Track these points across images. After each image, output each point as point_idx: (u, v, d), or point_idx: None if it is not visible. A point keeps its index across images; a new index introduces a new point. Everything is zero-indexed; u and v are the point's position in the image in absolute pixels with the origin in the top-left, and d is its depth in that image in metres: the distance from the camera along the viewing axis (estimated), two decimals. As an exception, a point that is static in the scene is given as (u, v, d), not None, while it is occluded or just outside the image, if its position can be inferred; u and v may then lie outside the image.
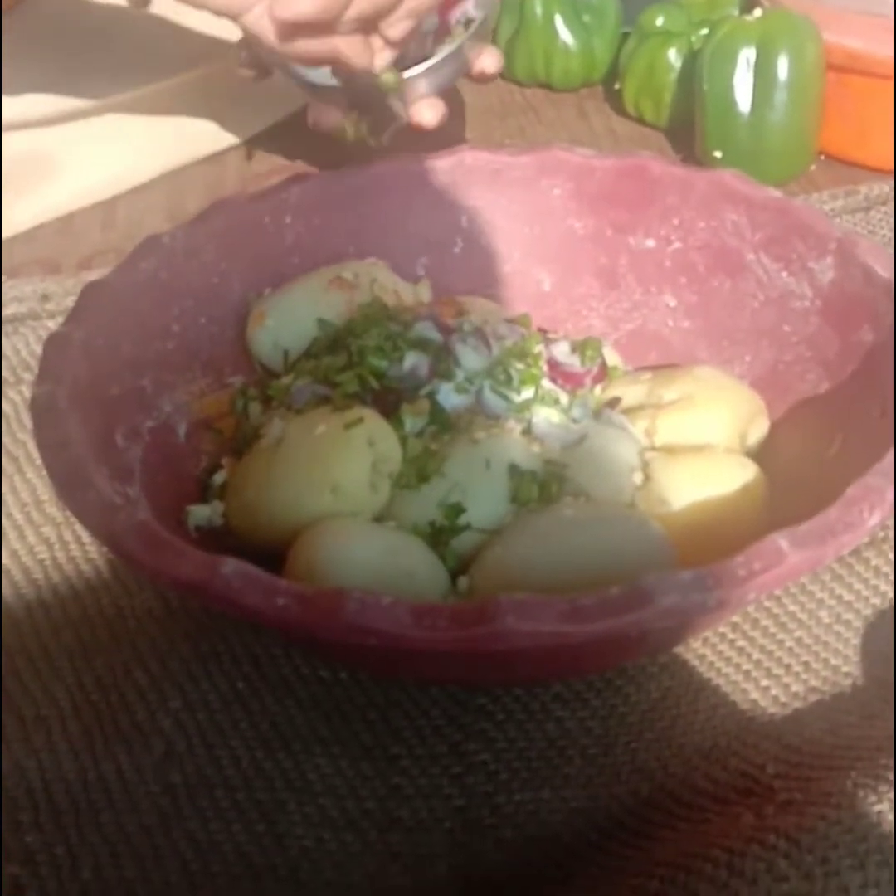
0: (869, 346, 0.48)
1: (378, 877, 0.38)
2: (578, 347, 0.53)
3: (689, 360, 0.56)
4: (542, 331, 0.56)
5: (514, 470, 0.45)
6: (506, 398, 0.49)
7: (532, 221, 0.60)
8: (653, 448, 0.49)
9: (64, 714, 0.43)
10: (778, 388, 0.52)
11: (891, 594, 0.46)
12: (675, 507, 0.45)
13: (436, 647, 0.33)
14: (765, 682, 0.43)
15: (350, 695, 0.44)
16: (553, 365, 0.52)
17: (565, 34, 0.88)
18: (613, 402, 0.51)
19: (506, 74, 0.92)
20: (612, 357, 0.55)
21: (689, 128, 0.78)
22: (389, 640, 0.34)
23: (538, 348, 0.52)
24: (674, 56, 0.81)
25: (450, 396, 0.48)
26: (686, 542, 0.43)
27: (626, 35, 0.87)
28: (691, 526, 0.44)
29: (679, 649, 0.45)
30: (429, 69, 0.60)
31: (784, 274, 0.53)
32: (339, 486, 0.44)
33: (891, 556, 0.48)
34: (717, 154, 0.74)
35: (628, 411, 0.50)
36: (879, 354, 0.47)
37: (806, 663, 0.44)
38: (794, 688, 0.43)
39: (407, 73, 0.59)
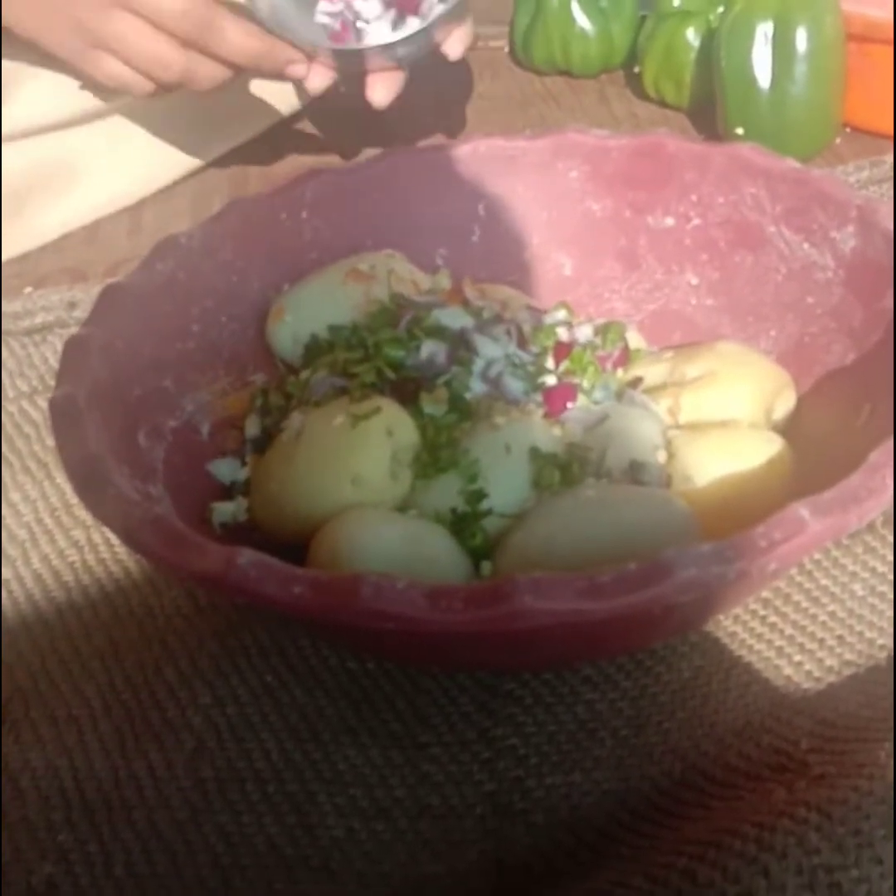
0: (893, 313, 0.47)
1: (409, 865, 0.38)
2: (601, 330, 0.52)
3: (713, 337, 0.55)
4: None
5: (535, 453, 0.45)
6: (525, 383, 0.48)
7: (550, 206, 0.60)
8: (677, 426, 0.48)
9: (95, 713, 0.43)
10: (804, 362, 0.51)
11: None
12: (700, 483, 0.44)
13: (452, 629, 0.33)
14: (798, 658, 0.43)
15: (378, 684, 0.44)
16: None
17: (583, 20, 0.88)
18: (635, 382, 0.50)
19: (525, 63, 0.93)
20: (635, 339, 0.55)
21: (710, 107, 0.77)
22: (406, 623, 0.33)
23: (561, 332, 0.52)
24: (692, 35, 0.81)
25: (469, 383, 0.48)
26: (712, 519, 0.43)
27: (643, 18, 0.87)
28: (717, 502, 0.44)
29: (709, 628, 0.44)
30: (387, 45, 0.61)
31: (806, 245, 0.52)
32: (360, 476, 0.44)
33: None
34: (740, 131, 0.73)
35: (651, 390, 0.50)
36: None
37: (840, 637, 0.43)
38: (829, 662, 0.42)
39: (367, 45, 0.60)
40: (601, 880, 0.33)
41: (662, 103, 0.85)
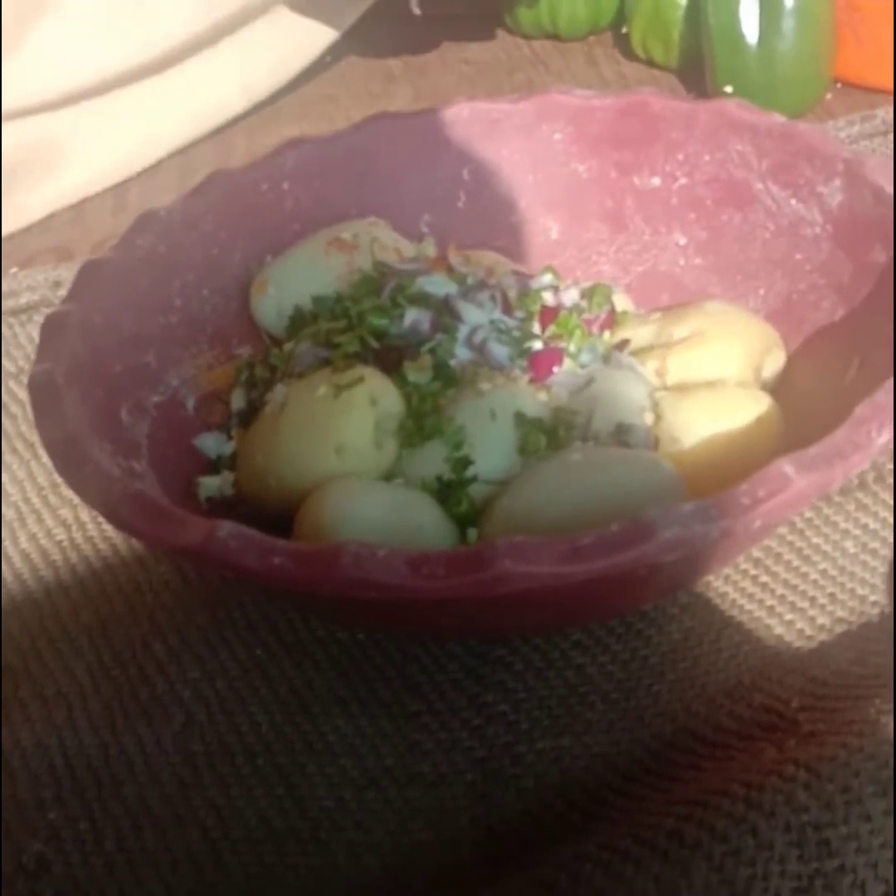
0: (882, 267, 0.46)
1: (399, 833, 0.37)
2: (587, 293, 0.52)
3: (702, 298, 0.54)
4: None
5: (520, 419, 0.44)
6: (511, 348, 0.48)
7: (535, 169, 0.59)
8: (664, 387, 0.47)
9: (84, 691, 0.43)
10: (793, 319, 0.51)
11: None
12: (688, 444, 0.44)
13: (434, 596, 0.33)
14: (789, 616, 0.42)
15: (368, 654, 0.43)
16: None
17: None
18: (622, 345, 0.49)
19: (512, 27, 0.91)
20: (621, 302, 0.54)
21: (699, 66, 0.76)
22: (387, 591, 0.33)
23: (547, 296, 0.51)
24: None
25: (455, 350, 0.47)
26: (700, 479, 0.42)
27: None
28: (705, 463, 0.43)
29: (699, 589, 0.44)
30: None
31: (793, 201, 0.51)
32: (344, 446, 0.43)
33: None
34: (729, 89, 0.72)
35: (639, 352, 0.49)
36: (892, 273, 0.45)
37: (832, 595, 0.43)
38: (820, 620, 0.42)
39: None
40: (589, 844, 0.32)
41: (651, 63, 0.84)
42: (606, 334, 0.51)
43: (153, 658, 0.44)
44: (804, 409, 0.46)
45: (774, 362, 0.49)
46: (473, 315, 0.49)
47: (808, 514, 0.46)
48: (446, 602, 0.34)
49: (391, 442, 0.44)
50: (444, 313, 0.49)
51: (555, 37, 0.90)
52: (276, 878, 0.37)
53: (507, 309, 0.50)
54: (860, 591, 0.43)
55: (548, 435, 0.44)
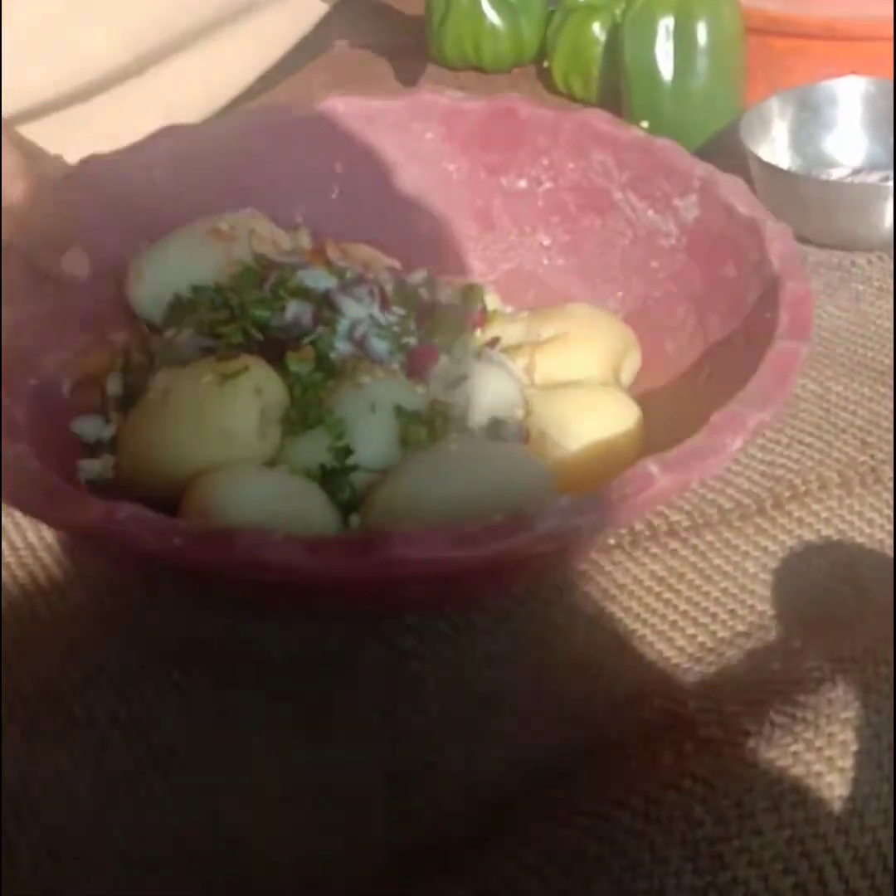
0: (732, 281, 0.50)
1: (313, 846, 0.38)
2: (461, 292, 0.54)
3: (564, 297, 0.57)
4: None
5: (399, 411, 0.46)
6: (389, 343, 0.50)
7: (408, 166, 0.61)
8: (532, 385, 0.50)
9: (0, 719, 0.42)
10: (649, 323, 0.54)
11: (810, 538, 0.48)
12: (556, 440, 0.47)
13: (332, 578, 0.35)
14: (691, 631, 0.44)
15: (286, 675, 0.44)
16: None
17: (492, 16, 0.87)
18: (493, 342, 0.52)
19: (438, 59, 0.91)
20: (491, 300, 0.57)
21: (618, 101, 0.77)
22: (285, 573, 0.35)
23: (423, 293, 0.54)
24: (598, 30, 0.81)
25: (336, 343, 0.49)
26: (566, 473, 0.46)
27: (552, 13, 0.87)
28: (571, 457, 0.47)
29: (605, 603, 0.46)
30: None
31: (650, 212, 0.55)
32: (228, 433, 0.45)
33: (813, 506, 0.49)
34: (644, 124, 0.73)
35: (508, 350, 0.52)
36: (742, 289, 0.49)
37: (732, 611, 0.45)
38: (721, 634, 0.44)
39: None
40: (496, 855, 0.34)
41: (572, 97, 0.85)
42: (479, 331, 0.53)
43: (70, 683, 0.43)
44: (660, 409, 0.50)
45: (632, 363, 0.52)
46: (353, 309, 0.51)
47: (709, 537, 0.48)
48: (340, 583, 0.36)
49: (275, 430, 0.46)
50: (325, 307, 0.50)
51: (480, 69, 0.90)
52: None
53: (385, 304, 0.52)
54: (760, 607, 0.45)
55: (426, 426, 0.46)
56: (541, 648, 0.44)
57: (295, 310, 0.49)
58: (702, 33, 0.71)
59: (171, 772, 0.40)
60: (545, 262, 0.60)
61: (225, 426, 0.45)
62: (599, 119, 0.57)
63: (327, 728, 0.42)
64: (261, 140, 0.60)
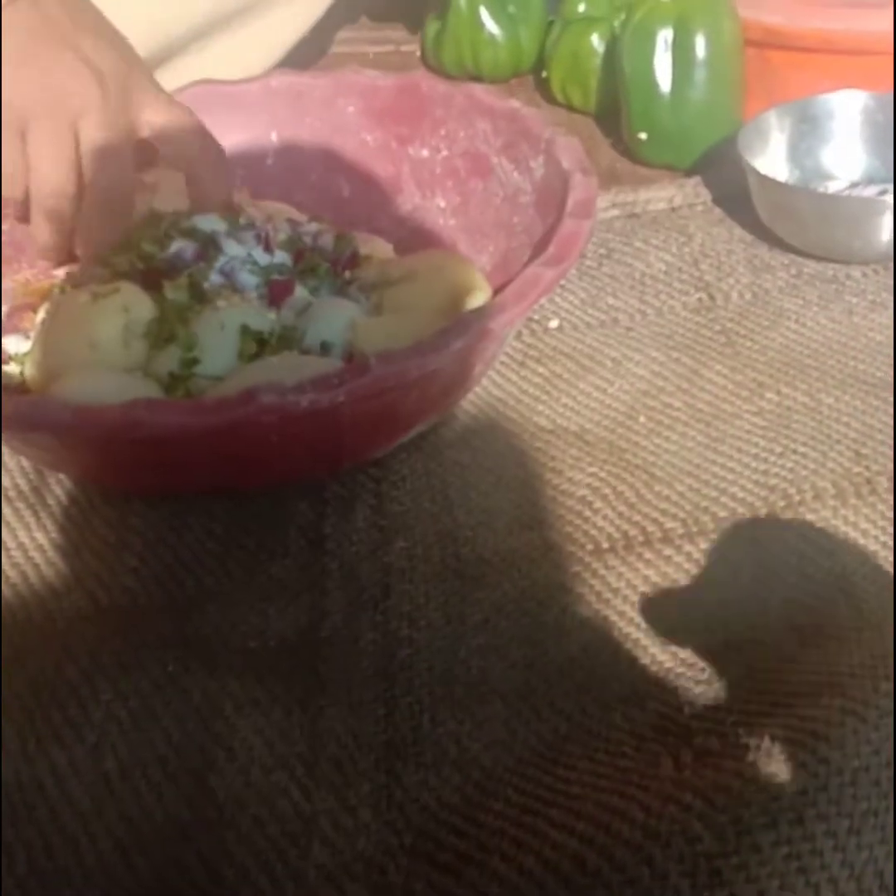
0: (558, 230, 0.56)
1: (302, 803, 0.40)
2: (335, 240, 0.62)
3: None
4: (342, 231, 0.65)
5: (244, 330, 0.54)
6: (259, 278, 0.58)
7: (332, 136, 0.69)
8: (379, 316, 0.58)
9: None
10: (508, 272, 0.60)
11: (804, 548, 0.48)
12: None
13: (214, 429, 0.44)
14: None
15: (280, 658, 0.46)
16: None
17: (491, 25, 0.89)
18: (351, 281, 0.60)
19: (435, 68, 0.93)
20: (383, 249, 0.64)
21: (616, 112, 0.79)
22: (176, 430, 0.44)
23: (307, 240, 0.62)
24: (597, 41, 0.82)
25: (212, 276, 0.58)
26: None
27: (551, 23, 0.88)
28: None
29: (599, 606, 0.47)
30: None
31: (515, 174, 0.62)
32: (96, 342, 0.54)
33: (808, 516, 0.50)
34: (643, 135, 0.75)
35: (368, 287, 0.60)
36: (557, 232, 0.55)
37: (724, 619, 0.45)
38: (714, 641, 0.44)
39: None
40: (495, 861, 0.35)
41: (570, 108, 0.86)
42: (348, 273, 0.61)
43: (66, 682, 0.44)
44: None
45: (478, 302, 0.59)
46: (234, 249, 0.59)
47: (703, 544, 0.49)
48: (218, 437, 0.45)
49: (139, 343, 0.55)
50: (211, 246, 0.59)
51: (477, 78, 0.90)
52: (183, 867, 0.38)
53: (269, 247, 0.60)
54: (753, 615, 0.45)
55: (264, 344, 0.54)
56: (530, 646, 0.45)
57: (179, 246, 0.58)
58: (700, 45, 0.72)
59: (167, 758, 0.41)
60: (441, 221, 0.67)
61: (92, 336, 0.54)
62: (483, 91, 0.64)
63: (324, 705, 0.44)
64: (204, 111, 0.68)
